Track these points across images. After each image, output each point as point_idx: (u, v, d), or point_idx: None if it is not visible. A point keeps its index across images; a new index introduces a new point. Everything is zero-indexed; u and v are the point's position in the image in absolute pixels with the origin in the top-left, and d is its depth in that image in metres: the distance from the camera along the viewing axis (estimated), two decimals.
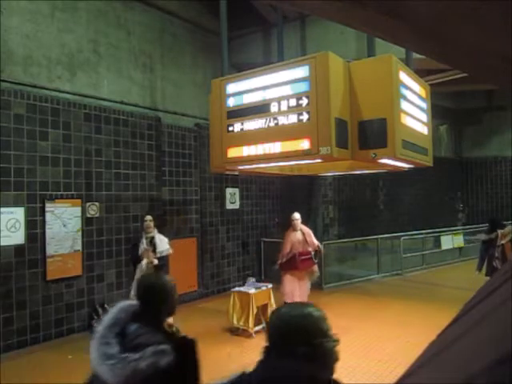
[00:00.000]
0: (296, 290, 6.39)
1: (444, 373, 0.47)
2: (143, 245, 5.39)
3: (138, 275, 5.30)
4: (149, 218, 5.59)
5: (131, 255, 5.64)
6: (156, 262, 5.32)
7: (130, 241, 6.76)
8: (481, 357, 0.41)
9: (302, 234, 6.44)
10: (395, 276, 9.63)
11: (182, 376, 1.55)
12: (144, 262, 5.27)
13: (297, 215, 6.50)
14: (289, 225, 6.56)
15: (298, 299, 6.42)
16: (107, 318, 1.63)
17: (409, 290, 8.25)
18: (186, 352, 1.58)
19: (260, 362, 1.25)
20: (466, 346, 0.50)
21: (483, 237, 7.13)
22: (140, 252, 5.32)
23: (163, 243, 5.51)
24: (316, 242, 6.48)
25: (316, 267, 6.63)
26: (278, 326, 1.24)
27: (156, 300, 1.68)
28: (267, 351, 1.25)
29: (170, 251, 5.58)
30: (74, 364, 5.02)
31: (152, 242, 5.43)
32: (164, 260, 5.51)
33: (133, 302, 1.73)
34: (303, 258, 6.28)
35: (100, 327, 1.60)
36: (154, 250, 5.39)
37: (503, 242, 6.54)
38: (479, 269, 6.88)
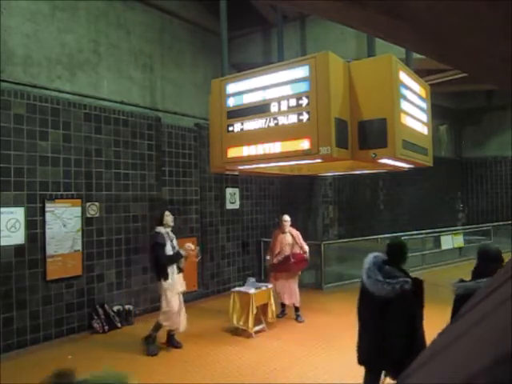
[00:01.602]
0: (285, 289, 6.40)
1: (444, 372, 0.47)
2: (174, 240, 5.30)
3: (172, 279, 5.13)
4: (168, 211, 5.51)
5: (157, 255, 5.13)
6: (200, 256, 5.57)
7: (129, 241, 6.77)
8: (481, 357, 0.41)
9: (290, 236, 6.44)
10: None
11: (415, 300, 2.66)
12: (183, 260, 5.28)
13: (287, 217, 6.50)
14: (289, 224, 6.58)
15: (287, 298, 6.42)
16: (369, 261, 2.94)
17: None
18: (418, 285, 2.68)
19: (475, 271, 2.68)
20: (466, 346, 0.50)
21: None
22: (184, 252, 5.23)
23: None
24: (305, 246, 6.47)
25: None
26: (488, 254, 2.73)
27: (398, 254, 2.90)
28: (476, 266, 2.74)
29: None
30: (74, 364, 5.01)
31: (170, 236, 5.36)
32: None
33: (379, 254, 3.01)
34: (296, 260, 6.28)
35: (366, 265, 2.91)
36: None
37: None
38: None
